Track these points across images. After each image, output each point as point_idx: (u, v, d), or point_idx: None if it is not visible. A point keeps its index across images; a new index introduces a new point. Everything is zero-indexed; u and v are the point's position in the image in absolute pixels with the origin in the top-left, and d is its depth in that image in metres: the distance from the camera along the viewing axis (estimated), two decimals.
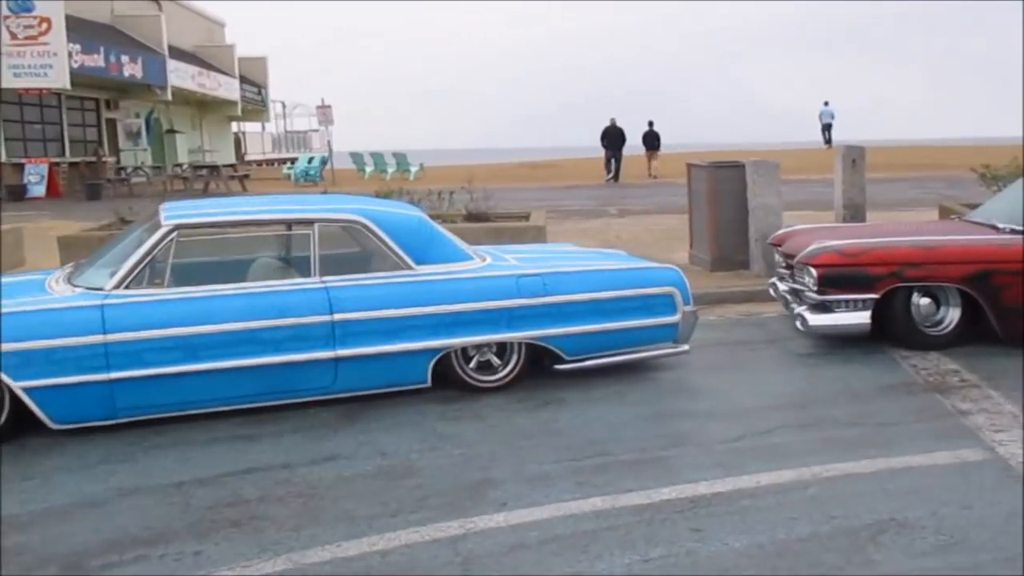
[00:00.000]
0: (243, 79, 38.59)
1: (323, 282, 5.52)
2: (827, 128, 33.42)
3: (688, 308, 6.18)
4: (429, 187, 11.45)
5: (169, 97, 30.05)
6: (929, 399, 5.42)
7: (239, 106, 37.55)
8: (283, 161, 43.73)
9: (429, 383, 5.69)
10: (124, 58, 26.47)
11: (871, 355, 6.43)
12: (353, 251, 6.02)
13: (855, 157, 11.47)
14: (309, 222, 5.71)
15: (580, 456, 4.61)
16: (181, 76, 31.25)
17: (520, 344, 5.88)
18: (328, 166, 27.98)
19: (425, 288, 5.71)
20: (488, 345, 5.85)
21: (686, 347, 6.26)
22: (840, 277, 6.52)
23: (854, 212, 11.42)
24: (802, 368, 6.33)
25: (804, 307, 6.72)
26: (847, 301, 6.52)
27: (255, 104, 40.59)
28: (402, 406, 5.49)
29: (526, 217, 9.84)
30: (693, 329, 6.28)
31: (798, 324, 6.68)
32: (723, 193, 9.59)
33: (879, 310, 6.50)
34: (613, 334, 6.03)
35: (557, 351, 5.91)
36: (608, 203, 18.32)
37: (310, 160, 29.76)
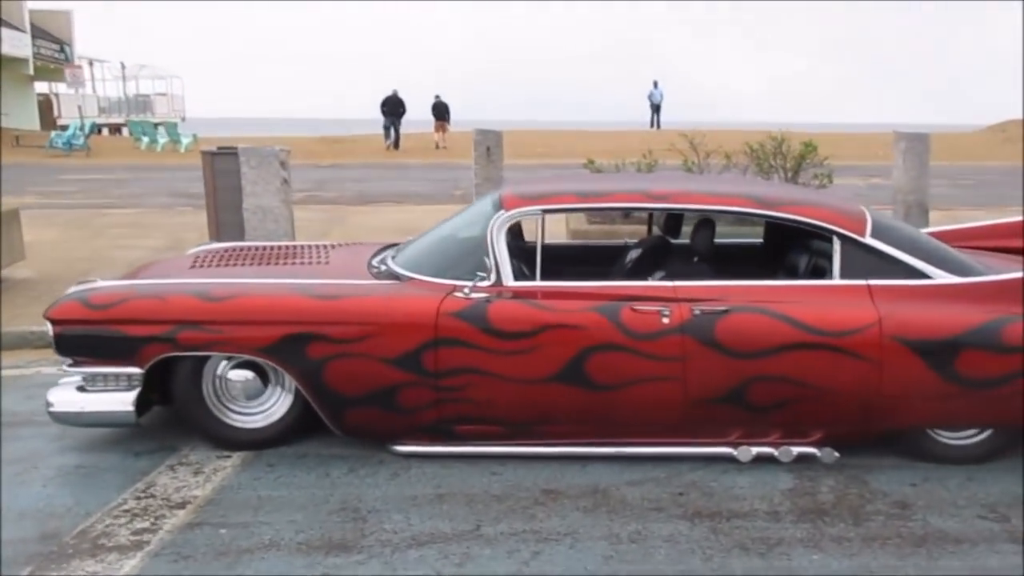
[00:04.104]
0: (41, 35, 34.69)
1: None
2: (656, 110, 31.53)
3: None
4: None
5: None
6: None
7: (31, 64, 33.67)
8: (117, 127, 40.00)
9: None
10: None
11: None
12: None
13: (490, 144, 9.36)
14: None
15: None
16: None
17: None
18: (89, 133, 24.85)
19: None
20: None
21: None
22: (87, 339, 4.15)
23: None
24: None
25: (66, 382, 4.36)
26: (104, 376, 4.18)
27: (57, 63, 36.63)
28: None
29: None
30: None
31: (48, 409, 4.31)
32: (224, 189, 7.21)
33: (165, 388, 4.22)
34: None
35: None
36: (320, 188, 15.86)
37: (81, 127, 26.51)
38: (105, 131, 36.21)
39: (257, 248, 5.27)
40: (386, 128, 26.17)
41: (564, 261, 5.43)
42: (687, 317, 3.98)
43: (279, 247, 5.28)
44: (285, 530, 3.48)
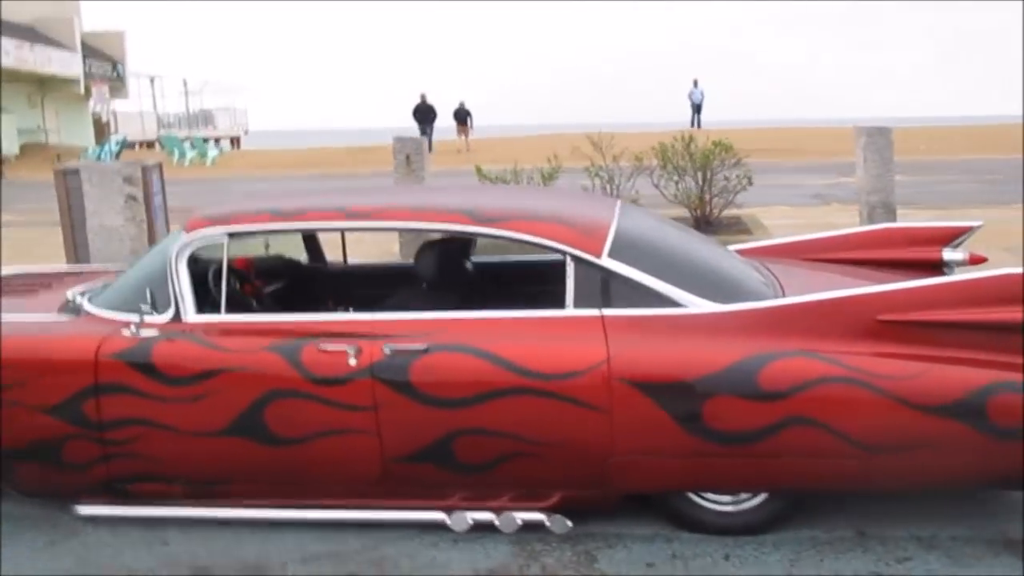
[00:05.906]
0: (93, 54, 35.71)
1: None
2: (697, 109, 30.43)
3: None
4: None
5: None
6: None
7: (81, 83, 34.65)
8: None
9: None
10: None
11: None
12: None
13: (409, 152, 8.88)
14: None
15: None
16: None
17: None
18: (119, 149, 25.26)
19: None
20: None
21: None
22: None
23: None
24: None
25: None
26: None
27: (111, 82, 37.61)
28: None
29: None
30: None
31: None
32: (78, 208, 6.81)
33: None
34: None
35: None
36: None
37: (116, 143, 27.00)
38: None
39: (17, 277, 4.81)
40: (421, 135, 26.38)
41: (377, 285, 4.83)
42: (377, 357, 3.33)
43: (36, 275, 4.81)
44: None
